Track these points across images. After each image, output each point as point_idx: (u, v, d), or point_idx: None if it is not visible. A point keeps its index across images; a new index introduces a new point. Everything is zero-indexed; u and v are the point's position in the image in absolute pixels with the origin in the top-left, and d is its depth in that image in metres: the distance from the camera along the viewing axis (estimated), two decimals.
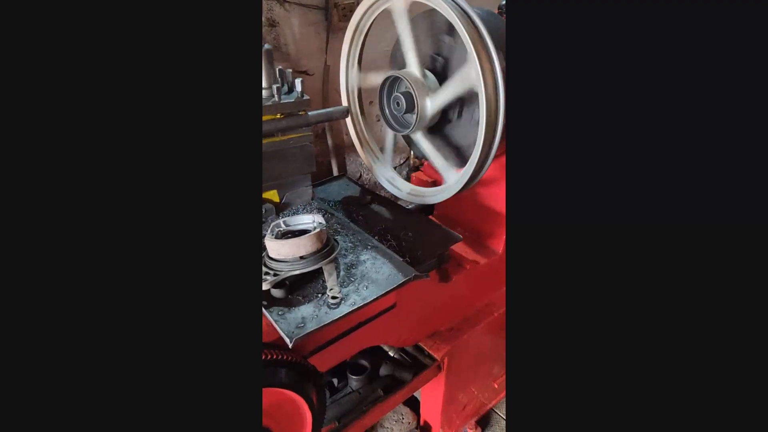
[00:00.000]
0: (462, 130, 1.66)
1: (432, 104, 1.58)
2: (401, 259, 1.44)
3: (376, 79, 1.73)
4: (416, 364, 1.99)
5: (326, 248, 1.35)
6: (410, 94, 1.58)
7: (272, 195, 1.63)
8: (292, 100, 1.49)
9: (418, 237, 1.66)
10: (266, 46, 1.41)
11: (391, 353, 2.07)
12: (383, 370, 1.99)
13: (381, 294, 1.31)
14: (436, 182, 2.03)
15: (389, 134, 1.83)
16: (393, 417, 2.39)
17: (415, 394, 2.13)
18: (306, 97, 1.52)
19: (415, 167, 2.71)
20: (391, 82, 1.67)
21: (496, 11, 1.79)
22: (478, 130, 1.46)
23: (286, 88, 1.51)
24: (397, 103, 1.64)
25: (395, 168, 2.00)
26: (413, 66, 1.59)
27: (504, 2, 1.96)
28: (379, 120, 1.85)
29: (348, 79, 1.85)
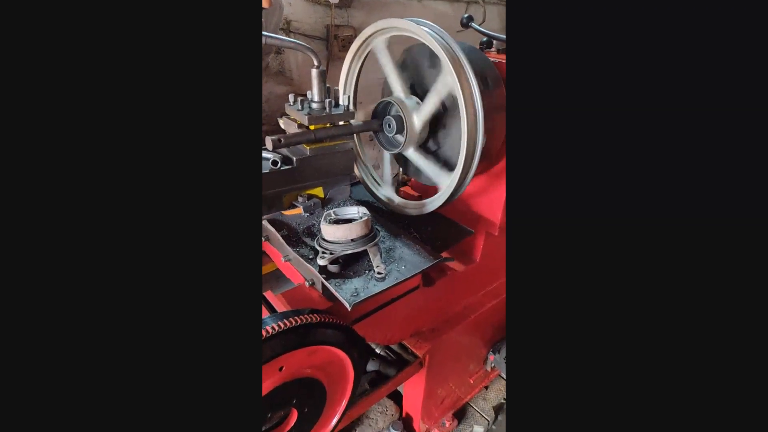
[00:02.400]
0: (448, 145, 1.91)
1: (418, 119, 1.83)
2: (429, 247, 1.78)
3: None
4: (400, 360, 2.21)
5: (371, 233, 1.66)
6: (400, 117, 1.83)
7: (318, 191, 1.95)
8: (341, 112, 1.81)
9: (436, 231, 2.01)
10: (321, 67, 1.75)
11: (378, 350, 2.30)
12: (370, 366, 2.19)
13: (417, 271, 1.63)
14: (421, 197, 2.26)
15: (386, 159, 2.09)
16: (378, 409, 2.60)
17: (398, 388, 2.33)
18: (352, 110, 1.84)
19: (403, 182, 2.92)
20: (383, 107, 1.93)
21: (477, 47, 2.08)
22: (458, 153, 1.70)
23: (333, 102, 1.81)
24: (389, 125, 1.90)
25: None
26: (399, 91, 1.89)
27: (483, 39, 2.15)
28: (372, 139, 2.08)
29: (345, 93, 2.12)
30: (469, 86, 1.62)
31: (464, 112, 1.63)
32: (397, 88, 1.91)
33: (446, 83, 1.70)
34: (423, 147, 1.97)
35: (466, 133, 1.65)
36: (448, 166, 1.91)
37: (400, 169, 2.12)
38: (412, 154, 1.94)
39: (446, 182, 1.84)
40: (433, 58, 1.84)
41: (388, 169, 2.13)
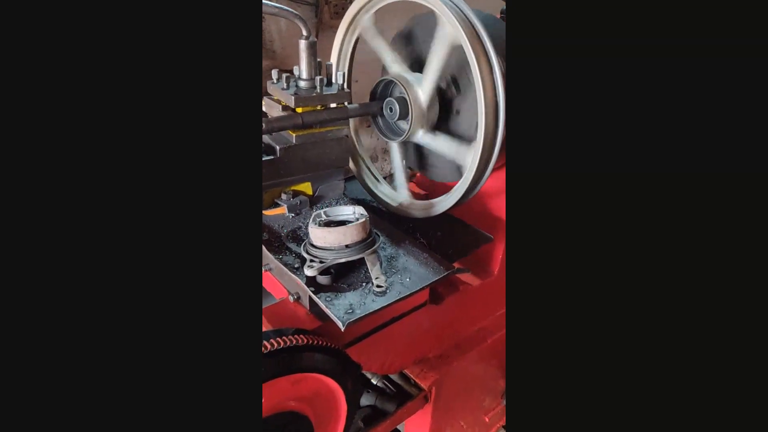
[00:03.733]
0: (465, 118, 1.84)
1: (423, 93, 1.76)
2: (438, 256, 1.67)
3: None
4: (401, 393, 2.12)
5: (369, 239, 1.56)
6: (404, 98, 1.78)
7: (306, 188, 1.86)
8: (334, 92, 1.72)
9: (448, 236, 1.91)
10: (311, 38, 1.65)
11: (374, 381, 2.21)
12: (364, 400, 2.10)
13: (424, 285, 1.53)
14: (429, 195, 2.20)
15: (395, 152, 2.00)
16: None
17: (399, 426, 2.21)
18: (347, 90, 1.75)
19: (407, 178, 2.86)
20: (384, 87, 1.88)
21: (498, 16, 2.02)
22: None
23: (325, 80, 1.73)
24: (390, 109, 1.84)
25: (385, 178, 2.19)
26: (395, 67, 1.83)
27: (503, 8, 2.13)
28: (369, 125, 2.04)
29: (339, 69, 2.04)
30: (475, 33, 1.54)
31: (475, 66, 1.54)
32: (393, 65, 1.84)
33: (446, 35, 1.62)
34: (436, 128, 1.89)
35: (483, 99, 1.57)
36: (457, 171, 1.87)
37: (403, 162, 2.02)
38: (423, 138, 1.86)
39: (470, 159, 1.74)
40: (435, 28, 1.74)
41: (399, 165, 2.02)
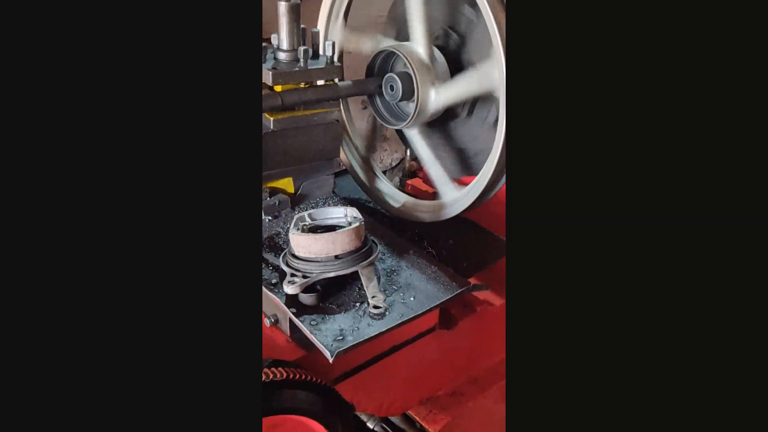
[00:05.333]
0: (470, 131, 1.81)
1: (437, 97, 1.71)
2: (450, 269, 1.61)
3: (367, 45, 1.85)
4: None
5: (365, 248, 1.48)
6: (408, 75, 1.70)
7: (286, 184, 1.79)
8: (321, 67, 1.65)
9: (461, 244, 1.86)
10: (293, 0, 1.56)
11: (370, 424, 2.15)
12: None
13: (433, 305, 1.46)
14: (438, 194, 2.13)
15: (414, 137, 1.92)
16: None
17: None
18: (337, 63, 1.68)
19: (411, 172, 2.78)
20: (384, 60, 1.80)
21: None
22: (490, 133, 1.59)
23: (310, 51, 1.65)
24: (391, 87, 1.75)
25: (385, 172, 2.15)
26: (419, 41, 1.72)
27: None
28: (366, 107, 2.02)
29: (327, 37, 1.95)
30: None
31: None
32: (419, 34, 1.72)
33: (489, 78, 1.59)
34: (433, 126, 1.86)
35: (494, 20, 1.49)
36: (463, 161, 1.87)
37: (407, 152, 2.01)
38: (436, 101, 1.76)
39: (451, 195, 1.78)
40: None
41: (429, 157, 1.89)
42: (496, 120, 1.58)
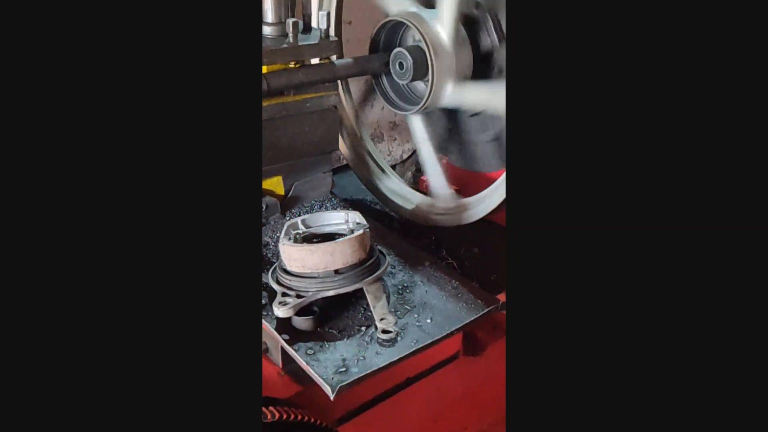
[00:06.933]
0: (478, 124, 1.79)
1: (454, 94, 1.68)
2: (475, 284, 1.57)
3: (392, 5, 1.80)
4: None
5: (371, 260, 1.44)
6: (419, 49, 1.65)
7: (275, 185, 1.77)
8: (314, 42, 1.62)
9: (487, 253, 1.88)
10: None
11: None
12: None
13: (454, 328, 1.41)
14: (460, 191, 2.07)
15: (418, 129, 1.90)
16: None
17: None
18: (333, 37, 1.66)
19: None
20: (390, 31, 1.77)
21: None
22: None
23: (300, 24, 1.65)
24: (400, 65, 1.70)
25: (395, 167, 2.14)
26: (446, 15, 1.66)
27: None
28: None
29: (322, 6, 1.97)
30: None
31: None
32: (447, 6, 1.67)
33: None
34: (478, 74, 1.76)
35: None
36: (465, 156, 1.88)
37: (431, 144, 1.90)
38: (451, 97, 1.73)
39: (442, 193, 1.79)
40: None
41: (425, 145, 1.90)
42: None
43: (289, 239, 1.49)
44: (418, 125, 1.87)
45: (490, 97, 1.69)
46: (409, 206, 1.97)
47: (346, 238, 1.43)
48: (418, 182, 2.20)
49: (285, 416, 1.33)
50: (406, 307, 1.47)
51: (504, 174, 1.68)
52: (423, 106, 1.71)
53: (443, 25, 1.65)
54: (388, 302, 1.46)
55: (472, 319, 1.46)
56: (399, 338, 1.36)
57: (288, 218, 1.69)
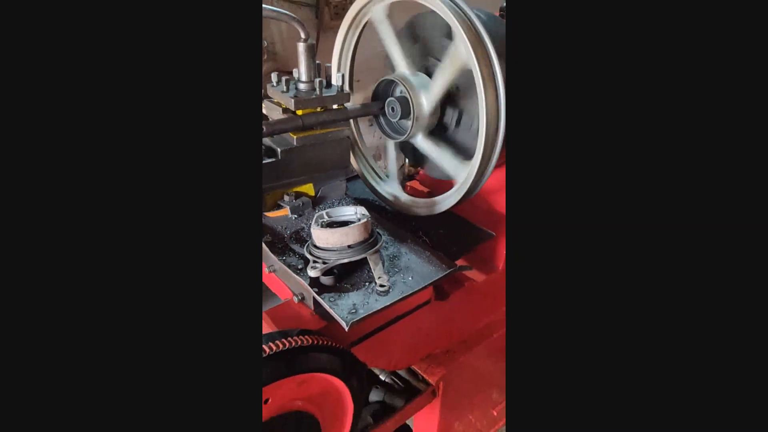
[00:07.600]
0: (462, 137, 1.98)
1: (428, 99, 1.89)
2: (441, 253, 1.81)
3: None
4: (409, 389, 2.25)
5: (371, 238, 1.70)
6: (405, 99, 1.89)
7: (308, 189, 2.01)
8: (334, 94, 1.85)
9: (450, 234, 2.08)
10: (309, 40, 1.79)
11: (382, 377, 2.35)
12: (373, 395, 2.25)
13: (428, 283, 1.66)
14: (432, 193, 2.30)
15: (389, 148, 2.15)
16: None
17: (407, 421, 2.35)
18: (347, 90, 1.89)
19: (409, 176, 2.99)
20: (385, 86, 1.99)
21: (497, 14, 2.14)
22: (476, 138, 1.74)
23: (324, 82, 1.84)
24: (392, 109, 1.95)
25: (388, 177, 2.31)
26: (403, 67, 1.94)
27: (504, 4, 2.22)
28: (372, 124, 2.17)
29: (339, 70, 2.18)
30: (487, 58, 1.66)
31: (482, 91, 1.67)
32: (401, 64, 1.95)
33: (459, 55, 1.74)
34: (434, 133, 2.01)
35: (485, 115, 1.69)
36: (466, 154, 1.95)
37: (406, 160, 2.19)
38: (421, 142, 1.99)
39: (464, 175, 1.88)
40: (446, 27, 1.86)
41: (393, 159, 2.16)
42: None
43: (318, 225, 1.69)
44: (390, 146, 2.14)
45: (441, 75, 1.87)
46: (398, 202, 2.19)
47: (355, 224, 1.66)
48: (404, 187, 2.37)
49: (315, 342, 1.56)
50: (395, 269, 1.73)
51: (459, 182, 1.90)
52: (405, 138, 1.98)
53: (428, 97, 1.91)
54: (383, 266, 1.70)
55: (440, 276, 1.70)
56: (391, 290, 1.61)
57: (317, 211, 1.89)
